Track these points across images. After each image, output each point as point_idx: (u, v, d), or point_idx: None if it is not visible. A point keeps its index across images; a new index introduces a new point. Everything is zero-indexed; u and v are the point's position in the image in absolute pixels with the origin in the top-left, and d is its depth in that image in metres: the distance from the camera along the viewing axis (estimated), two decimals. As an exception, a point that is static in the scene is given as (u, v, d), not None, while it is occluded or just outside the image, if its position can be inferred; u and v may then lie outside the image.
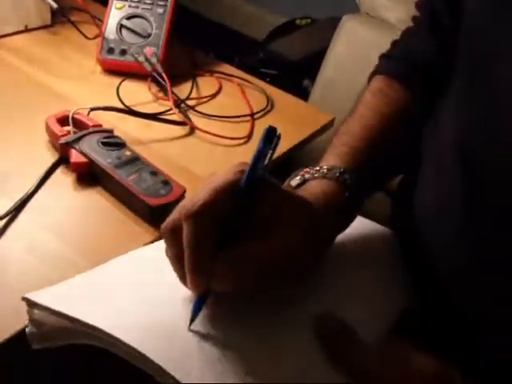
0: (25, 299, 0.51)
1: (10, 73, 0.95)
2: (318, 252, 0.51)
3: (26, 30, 1.05)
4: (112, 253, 0.58)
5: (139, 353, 0.43)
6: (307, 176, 0.56)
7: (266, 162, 0.48)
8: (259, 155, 0.47)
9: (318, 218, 0.50)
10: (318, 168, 0.56)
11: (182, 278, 0.48)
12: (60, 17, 1.07)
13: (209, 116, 0.92)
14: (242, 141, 0.88)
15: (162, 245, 0.49)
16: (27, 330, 0.50)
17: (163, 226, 0.48)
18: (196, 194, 0.47)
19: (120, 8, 1.00)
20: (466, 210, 0.53)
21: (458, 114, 0.57)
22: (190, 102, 0.94)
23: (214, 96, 0.98)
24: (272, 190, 0.49)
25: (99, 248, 0.66)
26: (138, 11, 1.00)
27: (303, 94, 1.45)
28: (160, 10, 1.00)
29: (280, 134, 0.49)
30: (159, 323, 0.47)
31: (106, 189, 0.74)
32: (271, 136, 0.48)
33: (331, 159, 0.58)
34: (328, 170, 0.56)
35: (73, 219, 0.71)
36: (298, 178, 0.56)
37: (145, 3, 1.00)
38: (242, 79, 1.03)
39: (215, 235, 0.46)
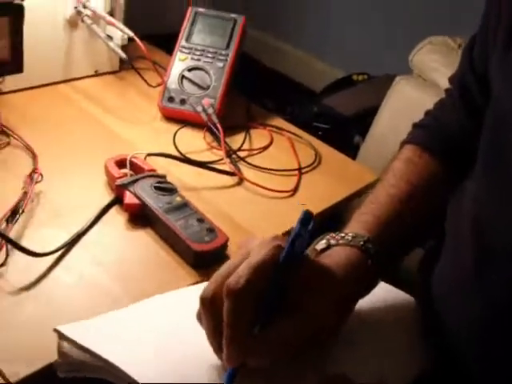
0: (56, 331, 0.55)
1: (77, 112, 1.02)
2: (342, 318, 0.55)
3: (96, 75, 1.13)
4: (155, 292, 0.63)
5: None
6: (332, 242, 0.59)
7: (304, 242, 0.52)
8: (295, 237, 0.51)
9: (343, 287, 0.54)
10: (343, 234, 0.60)
11: (217, 350, 0.51)
12: (127, 64, 1.14)
13: (258, 168, 0.97)
14: (287, 194, 0.92)
15: (198, 291, 0.53)
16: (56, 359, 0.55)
17: (202, 295, 0.51)
18: (233, 265, 0.50)
19: (183, 60, 1.06)
20: (476, 282, 0.56)
21: (476, 183, 0.60)
22: (242, 153, 0.99)
23: (264, 148, 1.03)
24: (305, 268, 0.52)
25: (144, 286, 0.70)
26: (200, 64, 1.06)
27: (354, 150, 1.49)
28: (220, 64, 1.06)
29: (315, 218, 0.52)
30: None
31: (155, 231, 0.79)
32: (308, 219, 0.52)
33: (356, 226, 0.62)
34: (353, 237, 0.59)
35: (122, 257, 0.76)
36: (324, 242, 0.60)
37: (206, 56, 1.06)
38: (293, 134, 1.08)
39: (253, 311, 0.49)
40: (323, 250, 0.59)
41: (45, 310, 0.66)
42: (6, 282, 0.67)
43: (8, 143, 0.90)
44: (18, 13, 0.85)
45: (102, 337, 0.55)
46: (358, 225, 0.62)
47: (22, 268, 0.69)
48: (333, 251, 0.58)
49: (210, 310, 0.50)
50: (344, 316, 0.55)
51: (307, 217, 0.51)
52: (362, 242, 0.59)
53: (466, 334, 0.56)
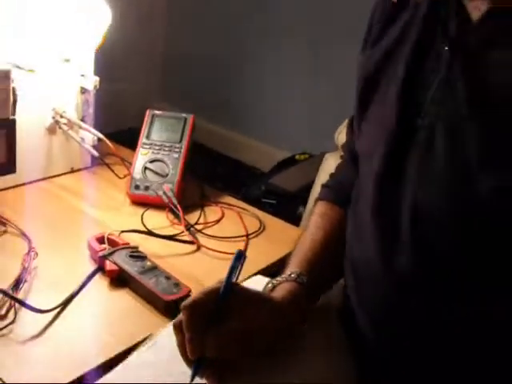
0: None
1: (59, 203, 1.23)
2: (284, 330, 0.76)
3: (72, 171, 1.35)
4: (137, 335, 0.83)
5: None
6: (275, 282, 0.81)
7: (237, 273, 0.73)
8: (231, 270, 0.72)
9: (280, 306, 0.76)
10: (284, 275, 0.82)
11: (184, 355, 0.71)
12: (98, 160, 1.35)
13: (212, 237, 1.17)
14: (237, 255, 1.13)
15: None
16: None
17: (173, 322, 0.72)
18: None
19: (145, 154, 1.29)
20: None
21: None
22: (198, 226, 1.20)
23: (217, 221, 1.24)
24: (241, 291, 0.74)
25: (129, 331, 0.89)
26: (159, 156, 1.28)
27: (298, 220, 1.71)
28: (176, 155, 1.28)
29: (246, 255, 0.73)
30: None
31: (132, 289, 0.98)
32: (240, 255, 0.73)
33: (293, 266, 0.84)
34: (289, 275, 0.81)
35: (107, 311, 0.95)
36: (270, 285, 0.81)
37: (164, 150, 1.28)
38: (241, 208, 1.29)
39: (203, 320, 0.70)
40: (271, 290, 0.80)
41: (50, 354, 0.84)
42: (15, 334, 0.86)
43: (5, 231, 1.09)
44: (11, 126, 1.07)
45: None
46: (293, 264, 0.84)
47: (29, 322, 0.88)
48: (277, 288, 0.80)
49: (178, 329, 0.71)
50: (283, 328, 0.76)
51: (239, 254, 0.73)
52: (295, 276, 0.81)
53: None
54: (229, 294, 0.72)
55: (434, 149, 0.71)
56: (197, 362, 0.70)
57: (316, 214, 0.94)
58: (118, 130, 1.44)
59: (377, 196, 0.77)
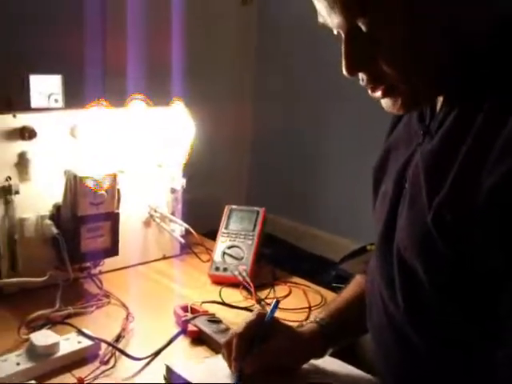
0: (166, 366, 1.02)
1: (153, 283, 1.48)
2: (301, 358, 1.04)
3: (164, 258, 1.60)
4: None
5: None
6: (304, 323, 1.11)
7: (274, 312, 1.01)
8: (273, 309, 1.01)
9: (301, 337, 1.04)
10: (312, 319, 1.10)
11: (229, 366, 0.99)
12: (184, 250, 1.61)
13: (280, 309, 1.37)
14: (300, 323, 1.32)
15: None
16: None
17: (223, 341, 1.02)
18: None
19: (224, 242, 1.53)
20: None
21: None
22: (268, 301, 1.41)
23: (285, 297, 1.44)
24: (275, 322, 1.02)
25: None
26: (235, 243, 1.52)
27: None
28: (249, 242, 1.51)
29: (279, 301, 1.05)
30: None
31: (209, 346, 1.19)
32: (277, 303, 1.04)
33: (320, 313, 1.12)
34: (315, 318, 1.09)
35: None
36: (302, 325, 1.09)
37: (239, 238, 1.52)
38: (306, 286, 1.50)
39: (248, 343, 0.97)
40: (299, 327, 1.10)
41: (141, 391, 1.06)
42: (115, 376, 1.08)
43: (109, 302, 1.34)
44: (116, 218, 1.35)
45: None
46: (321, 313, 1.13)
47: (125, 368, 1.10)
48: (304, 326, 1.10)
49: (227, 347, 1.00)
50: (301, 356, 1.05)
51: (277, 301, 1.03)
52: (318, 319, 1.08)
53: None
54: (268, 324, 1.00)
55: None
56: (238, 374, 0.97)
57: (352, 283, 1.20)
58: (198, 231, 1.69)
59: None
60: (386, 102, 0.85)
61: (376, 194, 1.04)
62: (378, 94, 0.84)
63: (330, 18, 0.81)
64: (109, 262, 1.45)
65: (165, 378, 1.06)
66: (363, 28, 0.78)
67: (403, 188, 0.91)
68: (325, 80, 3.15)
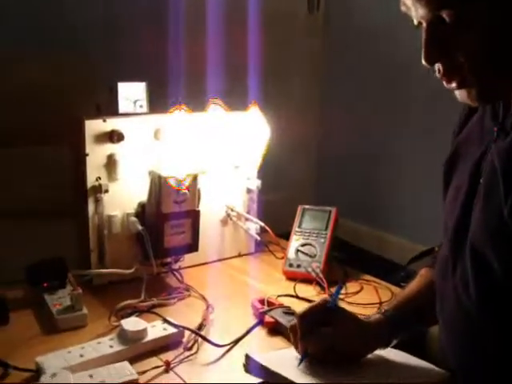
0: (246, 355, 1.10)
1: (230, 278, 1.56)
2: (367, 346, 1.09)
3: (239, 256, 1.68)
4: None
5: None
6: (371, 314, 1.15)
7: (338, 296, 1.09)
8: (336, 294, 1.09)
9: (367, 326, 1.09)
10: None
11: (295, 347, 1.07)
12: (258, 248, 1.68)
13: (351, 303, 1.43)
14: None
15: None
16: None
17: (289, 325, 1.10)
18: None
19: (297, 240, 1.59)
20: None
21: None
22: (340, 296, 1.46)
23: (356, 293, 1.49)
24: (341, 309, 1.09)
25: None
26: (308, 241, 1.58)
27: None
28: (322, 240, 1.57)
29: (342, 286, 1.13)
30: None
31: (285, 337, 1.25)
32: (340, 287, 1.12)
33: (387, 306, 1.17)
34: (380, 310, 1.15)
35: (264, 352, 1.23)
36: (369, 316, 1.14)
37: (312, 236, 1.58)
38: (377, 283, 1.54)
39: (310, 324, 1.05)
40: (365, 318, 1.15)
41: (222, 375, 1.13)
42: (198, 361, 1.16)
43: (189, 295, 1.43)
44: (197, 215, 1.44)
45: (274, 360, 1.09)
46: (390, 304, 1.18)
47: (207, 354, 1.18)
48: (370, 317, 1.15)
49: (293, 330, 1.08)
50: (365, 345, 1.09)
51: (339, 287, 1.11)
52: (384, 311, 1.13)
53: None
54: (332, 310, 1.08)
55: None
56: (303, 353, 1.05)
57: (418, 275, 1.24)
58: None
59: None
60: (460, 94, 0.89)
61: (446, 188, 1.08)
62: (453, 85, 0.88)
63: (414, 7, 0.85)
64: (188, 258, 1.54)
65: (244, 366, 1.13)
66: (446, 19, 0.82)
67: (478, 183, 0.95)
68: (390, 81, 3.18)
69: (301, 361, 1.06)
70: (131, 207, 1.46)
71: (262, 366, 1.08)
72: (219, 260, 1.65)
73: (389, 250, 3.13)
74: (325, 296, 1.25)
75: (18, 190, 1.71)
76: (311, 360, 1.06)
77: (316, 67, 3.64)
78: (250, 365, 1.12)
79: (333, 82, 3.54)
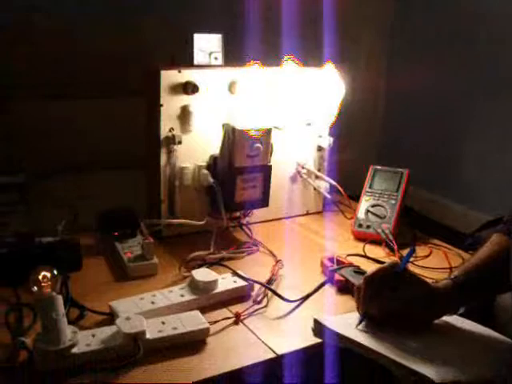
0: (315, 319, 1.04)
1: (298, 235, 1.56)
2: (434, 312, 1.06)
3: (307, 214, 1.67)
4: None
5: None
6: (440, 280, 1.12)
7: (408, 260, 1.07)
8: (407, 257, 1.07)
9: (435, 291, 1.06)
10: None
11: (357, 308, 1.07)
12: (327, 207, 1.67)
13: (420, 267, 1.40)
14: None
15: None
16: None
17: (356, 285, 1.09)
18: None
19: (367, 200, 1.57)
20: None
21: None
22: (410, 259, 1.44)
23: (425, 256, 1.47)
24: (408, 272, 1.06)
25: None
26: (379, 202, 1.55)
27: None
28: (393, 202, 1.54)
29: (414, 250, 1.10)
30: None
31: (353, 295, 1.24)
32: (412, 251, 1.10)
33: (456, 271, 1.14)
34: (450, 275, 1.12)
35: (331, 310, 1.22)
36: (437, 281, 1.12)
37: (383, 197, 1.56)
38: (447, 248, 1.51)
39: (376, 286, 1.04)
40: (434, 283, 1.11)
41: (290, 328, 1.13)
42: (268, 315, 1.16)
43: (258, 250, 1.43)
44: (268, 170, 1.42)
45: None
46: (456, 270, 1.15)
47: (276, 308, 1.18)
48: (439, 282, 1.12)
49: (357, 291, 1.07)
50: (432, 311, 1.07)
51: (411, 250, 1.09)
52: (453, 276, 1.10)
53: None
54: (401, 273, 1.06)
55: None
56: (361, 316, 1.06)
57: (489, 241, 1.20)
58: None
59: None
60: None
61: None
62: None
63: None
64: (256, 214, 1.54)
65: (313, 330, 1.10)
66: None
67: None
68: (465, 36, 3.06)
69: (360, 322, 1.06)
70: (203, 160, 1.46)
71: (331, 330, 1.06)
72: (287, 217, 1.64)
73: (452, 219, 3.06)
74: (395, 259, 1.22)
75: (93, 141, 1.74)
76: (371, 323, 1.06)
77: (384, 24, 3.54)
78: (319, 329, 1.09)
79: (404, 38, 3.42)
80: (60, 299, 0.97)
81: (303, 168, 1.61)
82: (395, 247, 1.44)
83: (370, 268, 1.31)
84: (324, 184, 1.63)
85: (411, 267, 1.39)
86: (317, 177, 1.63)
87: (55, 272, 0.97)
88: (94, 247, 1.41)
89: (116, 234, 1.39)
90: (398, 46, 3.42)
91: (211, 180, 1.42)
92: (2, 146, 1.69)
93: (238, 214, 1.50)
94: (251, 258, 1.40)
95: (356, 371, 1.09)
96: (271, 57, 1.49)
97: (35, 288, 0.96)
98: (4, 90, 1.65)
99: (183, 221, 1.43)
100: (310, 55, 1.55)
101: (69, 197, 1.52)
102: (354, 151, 2.95)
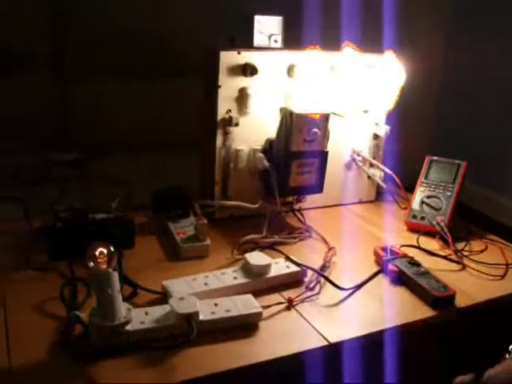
0: None
1: (351, 223, 1.54)
2: None
3: (360, 202, 1.65)
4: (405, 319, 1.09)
5: None
6: None
7: None
8: None
9: None
10: None
11: None
12: (380, 196, 1.64)
13: (476, 262, 1.37)
14: (497, 278, 1.31)
15: None
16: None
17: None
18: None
19: (423, 191, 1.54)
20: None
21: None
22: (464, 253, 1.41)
23: (481, 251, 1.43)
24: None
25: (401, 316, 1.14)
26: (434, 193, 1.52)
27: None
28: (449, 194, 1.51)
29: None
30: None
31: (408, 287, 1.22)
32: None
33: None
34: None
35: (386, 300, 1.20)
36: None
37: (439, 189, 1.53)
38: (504, 244, 1.47)
39: None
40: None
41: (343, 317, 1.11)
42: (320, 301, 1.15)
43: (310, 236, 1.42)
44: (325, 156, 1.41)
45: None
46: None
47: (329, 295, 1.17)
48: None
49: None
50: None
51: None
52: None
53: None
54: None
55: None
56: None
57: None
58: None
59: None
60: None
61: None
62: None
63: None
64: (309, 200, 1.52)
65: None
66: None
67: None
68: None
69: None
70: (258, 143, 1.45)
71: None
72: (339, 205, 1.63)
73: (508, 216, 3.00)
74: None
75: (147, 120, 1.74)
76: None
77: (443, 12, 3.47)
78: None
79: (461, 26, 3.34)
80: (116, 276, 0.97)
81: (358, 155, 1.59)
82: (450, 240, 1.41)
83: (423, 260, 1.30)
84: (379, 173, 1.61)
85: (466, 261, 1.37)
86: (371, 165, 1.61)
87: (112, 248, 0.98)
88: (146, 226, 1.42)
89: (169, 213, 1.40)
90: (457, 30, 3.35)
91: (266, 163, 1.41)
92: (59, 122, 1.70)
93: (290, 198, 1.48)
94: (304, 244, 1.39)
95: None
96: (331, 41, 1.47)
97: (92, 263, 0.96)
98: (64, 69, 1.67)
99: (237, 203, 1.43)
100: (370, 40, 1.52)
101: (123, 175, 1.53)
102: (408, 141, 2.90)
